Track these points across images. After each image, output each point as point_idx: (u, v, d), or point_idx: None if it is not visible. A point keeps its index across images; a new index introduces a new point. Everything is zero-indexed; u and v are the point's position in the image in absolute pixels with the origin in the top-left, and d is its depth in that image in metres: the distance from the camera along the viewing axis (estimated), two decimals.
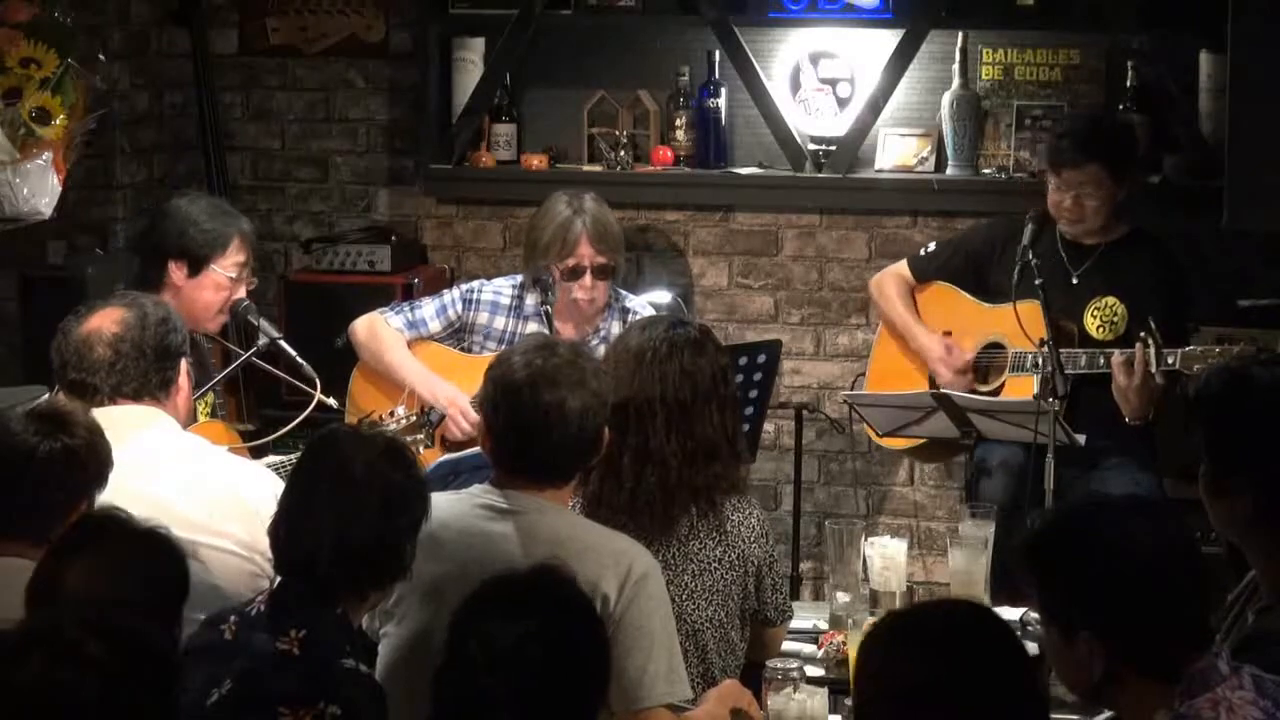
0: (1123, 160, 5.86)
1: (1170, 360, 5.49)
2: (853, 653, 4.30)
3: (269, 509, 3.80)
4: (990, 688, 2.81)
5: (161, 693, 2.75)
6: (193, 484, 4.28)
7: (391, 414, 5.21)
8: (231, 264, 5.38)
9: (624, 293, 5.95)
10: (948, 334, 6.05)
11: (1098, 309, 5.83)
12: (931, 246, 6.19)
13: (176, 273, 5.33)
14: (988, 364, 5.98)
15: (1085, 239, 5.90)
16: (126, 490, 4.02)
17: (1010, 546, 4.74)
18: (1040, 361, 5.54)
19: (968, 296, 6.03)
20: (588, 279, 5.70)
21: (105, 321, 4.45)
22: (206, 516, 4.18)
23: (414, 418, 5.18)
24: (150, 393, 4.43)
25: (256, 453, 5.15)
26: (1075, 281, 5.87)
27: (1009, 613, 4.56)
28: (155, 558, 3.46)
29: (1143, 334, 5.55)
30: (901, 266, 6.20)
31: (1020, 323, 5.60)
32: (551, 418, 3.98)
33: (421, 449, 5.15)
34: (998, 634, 2.89)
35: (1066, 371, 5.53)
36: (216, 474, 4.38)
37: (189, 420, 4.68)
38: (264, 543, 3.91)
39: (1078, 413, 5.60)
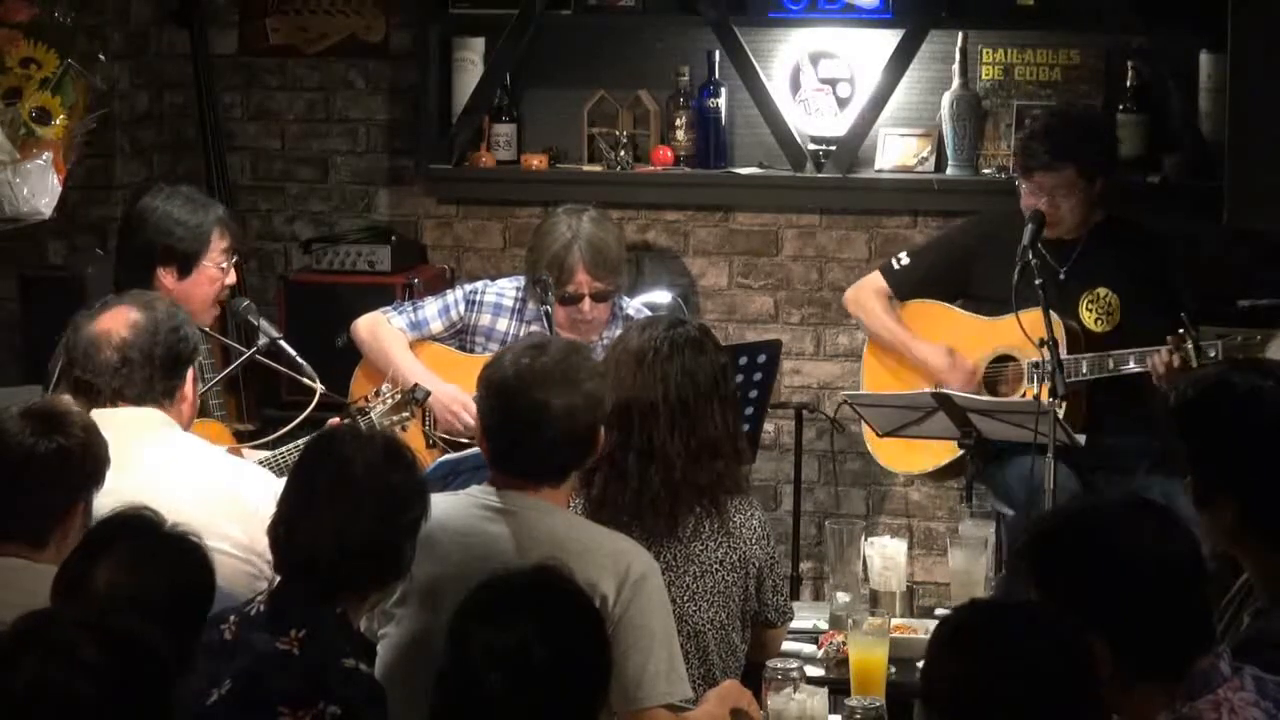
0: (1095, 160, 5.83)
1: (1213, 354, 5.42)
2: (853, 653, 4.30)
3: (267, 510, 3.79)
4: (1052, 688, 2.80)
5: (157, 694, 2.74)
6: (192, 486, 4.27)
7: (377, 394, 5.22)
8: (218, 254, 5.35)
9: (625, 299, 5.93)
10: (950, 351, 6.01)
11: (1091, 301, 5.82)
12: (905, 259, 6.08)
13: (166, 278, 5.28)
14: (995, 377, 5.93)
15: (1065, 235, 5.88)
16: (124, 492, 4.01)
17: (1011, 551, 4.75)
18: (1040, 366, 5.50)
19: (962, 312, 5.98)
20: (586, 304, 5.67)
21: (117, 324, 4.43)
22: (206, 518, 4.16)
23: (399, 396, 5.19)
24: (154, 399, 4.43)
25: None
26: (1063, 278, 5.85)
27: None
28: (182, 562, 3.45)
29: (1180, 330, 5.48)
30: (876, 280, 6.10)
31: (1027, 333, 5.42)
32: (538, 417, 3.98)
33: (409, 426, 5.16)
34: (1060, 633, 2.87)
35: (1077, 378, 5.53)
36: (216, 476, 4.38)
37: (189, 422, 4.68)
38: (262, 544, 3.90)
39: (1101, 413, 5.59)
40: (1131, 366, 5.60)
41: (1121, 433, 5.64)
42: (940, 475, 6.09)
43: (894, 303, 6.08)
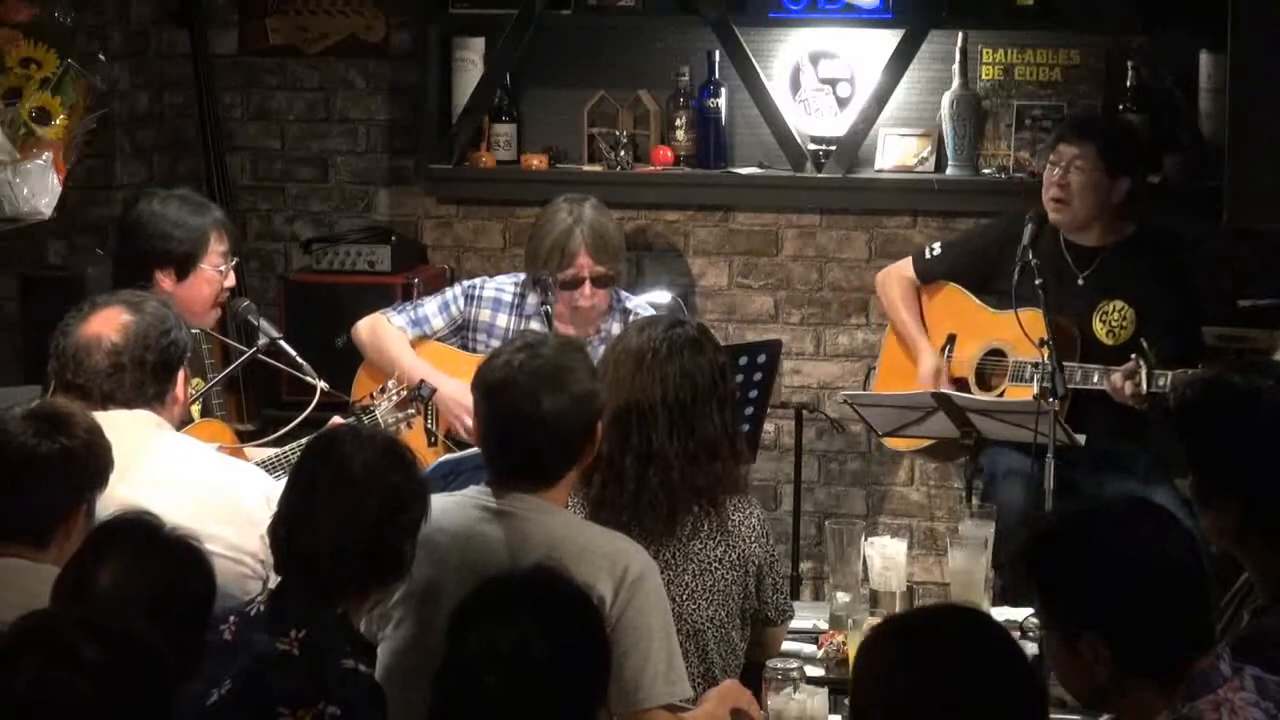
0: (1117, 149, 5.87)
1: (1161, 383, 5.46)
2: (853, 653, 4.30)
3: (262, 511, 3.79)
4: (985, 690, 2.80)
5: (157, 694, 2.75)
6: (184, 487, 4.27)
7: (382, 390, 5.22)
8: (216, 256, 5.34)
9: (624, 293, 5.94)
10: (952, 337, 6.04)
11: (1105, 314, 5.83)
12: (937, 248, 6.18)
13: (165, 281, 5.27)
14: (990, 370, 5.97)
15: (1086, 239, 5.90)
16: (117, 494, 4.01)
17: (1010, 553, 4.75)
18: (1040, 367, 5.50)
19: (975, 300, 6.03)
20: (587, 288, 5.69)
21: (107, 328, 4.42)
22: (197, 519, 4.15)
23: (404, 393, 5.19)
24: (145, 403, 4.42)
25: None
26: (1081, 283, 5.86)
27: (1013, 614, 4.56)
28: (183, 565, 3.45)
29: (1134, 355, 5.52)
30: (905, 267, 6.20)
31: (1024, 330, 5.50)
32: (527, 420, 3.98)
33: (414, 423, 5.16)
34: (992, 636, 2.87)
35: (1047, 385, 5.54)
36: (208, 477, 4.37)
37: (183, 422, 4.68)
38: (254, 544, 3.91)
39: (1085, 418, 5.59)
40: (1095, 382, 5.62)
41: (1099, 435, 5.63)
42: (938, 452, 6.12)
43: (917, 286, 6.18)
